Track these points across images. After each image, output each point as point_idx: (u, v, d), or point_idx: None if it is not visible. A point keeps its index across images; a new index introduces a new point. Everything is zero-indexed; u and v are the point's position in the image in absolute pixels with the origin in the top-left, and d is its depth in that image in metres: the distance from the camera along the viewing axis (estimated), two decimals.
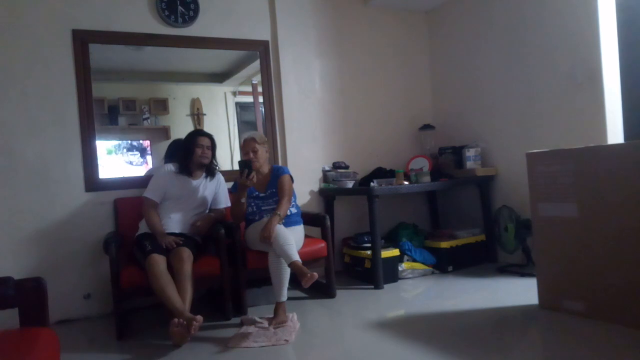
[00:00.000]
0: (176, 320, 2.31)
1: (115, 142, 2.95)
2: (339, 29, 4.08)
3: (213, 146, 3.06)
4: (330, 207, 3.82)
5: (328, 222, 3.16)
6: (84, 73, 3.17)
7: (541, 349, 2.22)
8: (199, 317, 2.32)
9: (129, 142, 2.80)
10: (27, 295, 1.59)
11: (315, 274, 2.50)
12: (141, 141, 2.95)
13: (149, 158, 3.01)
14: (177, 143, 3.31)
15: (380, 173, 3.85)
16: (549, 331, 2.36)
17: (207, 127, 3.59)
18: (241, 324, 2.69)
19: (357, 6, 4.15)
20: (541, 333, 2.40)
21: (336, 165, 3.91)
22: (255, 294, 3.07)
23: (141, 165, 3.00)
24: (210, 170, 3.07)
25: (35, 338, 1.44)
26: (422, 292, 3.26)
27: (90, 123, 3.18)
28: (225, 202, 3.14)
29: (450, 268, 3.63)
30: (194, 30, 3.49)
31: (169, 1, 3.40)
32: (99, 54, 3.23)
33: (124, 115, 3.47)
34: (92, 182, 3.18)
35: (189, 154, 2.99)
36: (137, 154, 3.07)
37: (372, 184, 3.53)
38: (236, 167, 2.85)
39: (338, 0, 4.07)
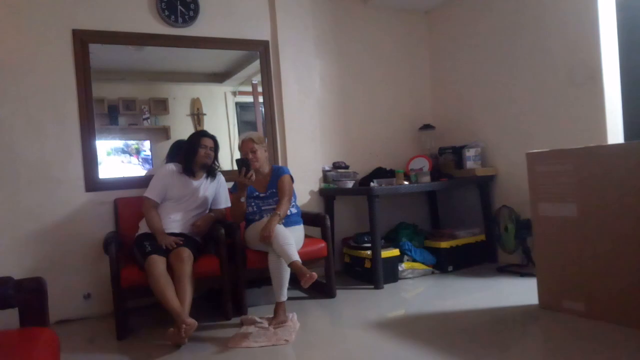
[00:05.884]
0: (171, 330, 2.36)
1: (113, 145, 3.37)
2: (339, 28, 4.08)
3: (216, 147, 3.07)
4: (330, 207, 3.82)
5: (328, 222, 3.16)
6: (84, 73, 3.16)
7: (541, 349, 2.23)
8: (190, 321, 2.32)
9: (121, 147, 3.42)
10: (27, 295, 1.59)
11: (314, 274, 2.50)
12: (128, 142, 3.48)
13: (132, 158, 3.45)
14: (179, 143, 3.31)
15: (380, 173, 3.85)
16: (549, 331, 2.37)
17: (207, 127, 3.59)
18: (241, 324, 2.69)
19: (357, 6, 4.15)
20: (541, 333, 2.41)
21: (336, 165, 3.91)
22: (255, 294, 3.07)
23: (129, 163, 3.46)
24: (211, 171, 3.07)
25: (35, 338, 1.44)
26: (422, 292, 3.26)
27: (90, 123, 3.18)
28: (225, 202, 3.14)
29: (450, 268, 3.63)
30: (194, 30, 3.49)
31: (169, 1, 3.40)
32: (99, 54, 3.23)
33: (124, 115, 3.48)
34: (92, 182, 3.18)
35: (192, 155, 2.98)
36: (128, 155, 3.44)
37: (372, 184, 3.53)
38: (236, 167, 2.85)
39: (338, 0, 4.08)
